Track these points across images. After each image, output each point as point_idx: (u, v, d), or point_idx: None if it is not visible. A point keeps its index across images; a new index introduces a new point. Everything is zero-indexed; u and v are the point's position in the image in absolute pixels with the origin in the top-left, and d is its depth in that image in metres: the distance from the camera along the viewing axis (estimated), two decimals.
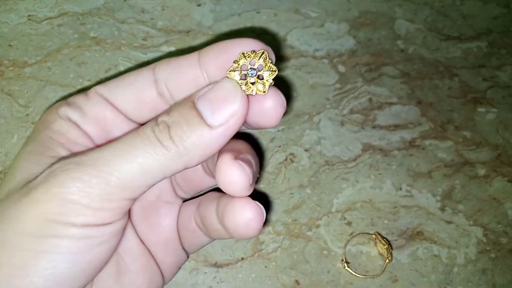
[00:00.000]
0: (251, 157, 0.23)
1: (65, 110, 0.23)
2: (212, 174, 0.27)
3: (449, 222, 0.37)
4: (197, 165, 0.21)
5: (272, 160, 0.37)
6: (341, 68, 0.41)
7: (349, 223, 0.36)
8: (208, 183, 0.29)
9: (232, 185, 0.21)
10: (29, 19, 0.39)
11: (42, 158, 0.21)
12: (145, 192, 0.21)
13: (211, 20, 0.42)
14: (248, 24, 0.42)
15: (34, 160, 0.21)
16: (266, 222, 0.25)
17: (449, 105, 0.41)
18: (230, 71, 0.21)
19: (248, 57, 0.21)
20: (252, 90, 0.21)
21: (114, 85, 0.24)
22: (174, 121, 0.20)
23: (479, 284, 0.35)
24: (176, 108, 0.21)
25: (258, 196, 0.36)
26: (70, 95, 0.37)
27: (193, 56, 0.23)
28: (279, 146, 0.38)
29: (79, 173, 0.19)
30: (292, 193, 0.36)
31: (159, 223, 0.27)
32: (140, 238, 0.26)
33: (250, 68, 0.21)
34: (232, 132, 0.21)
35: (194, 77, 0.23)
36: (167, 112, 0.21)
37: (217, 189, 0.25)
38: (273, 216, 0.35)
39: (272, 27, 0.42)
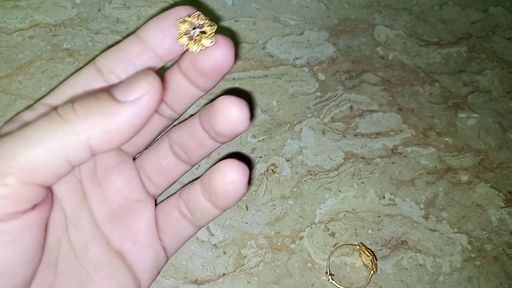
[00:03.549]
0: None
1: (8, 128, 0.22)
2: (185, 159, 0.28)
3: (434, 230, 0.36)
4: (106, 150, 0.20)
5: (253, 171, 0.36)
6: (321, 76, 0.41)
7: (332, 234, 0.35)
8: (180, 169, 0.29)
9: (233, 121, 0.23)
10: None
11: None
12: (53, 182, 0.19)
13: None
14: (227, 33, 0.42)
15: None
16: (249, 182, 0.26)
17: (430, 111, 0.41)
18: (179, 38, 0.23)
19: (185, 21, 0.23)
20: (202, 46, 0.23)
21: (57, 91, 0.23)
22: (82, 99, 0.19)
23: None
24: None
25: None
26: None
27: (132, 36, 0.23)
28: (260, 157, 0.37)
29: None
30: (274, 205, 0.35)
31: (134, 222, 0.27)
32: (107, 245, 0.26)
33: (193, 28, 0.23)
34: (146, 112, 0.20)
35: (138, 53, 0.23)
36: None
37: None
38: (255, 229, 0.34)
39: (251, 35, 0.42)
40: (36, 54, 0.38)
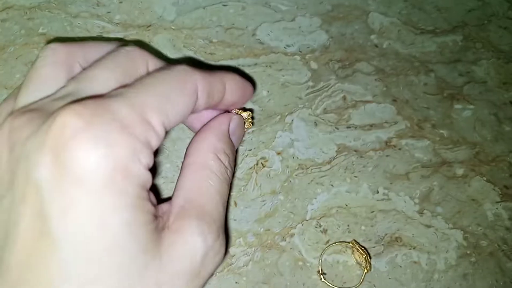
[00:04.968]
0: None
1: (146, 157, 0.18)
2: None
3: (428, 226, 0.35)
4: None
5: (242, 165, 0.35)
6: (314, 65, 0.39)
7: (324, 231, 0.34)
8: None
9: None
10: None
11: (149, 226, 0.18)
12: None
13: (174, 13, 0.39)
14: (214, 18, 0.39)
15: (143, 235, 0.18)
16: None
17: (425, 102, 0.39)
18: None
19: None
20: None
21: (167, 108, 0.19)
22: (230, 153, 0.24)
23: None
24: (226, 145, 0.24)
25: None
26: None
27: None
28: (250, 150, 0.35)
29: (202, 222, 0.21)
30: (264, 201, 0.34)
31: None
32: None
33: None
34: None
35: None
36: (221, 149, 0.24)
37: None
38: (244, 226, 0.33)
39: (240, 21, 0.40)
40: (9, 39, 0.35)
